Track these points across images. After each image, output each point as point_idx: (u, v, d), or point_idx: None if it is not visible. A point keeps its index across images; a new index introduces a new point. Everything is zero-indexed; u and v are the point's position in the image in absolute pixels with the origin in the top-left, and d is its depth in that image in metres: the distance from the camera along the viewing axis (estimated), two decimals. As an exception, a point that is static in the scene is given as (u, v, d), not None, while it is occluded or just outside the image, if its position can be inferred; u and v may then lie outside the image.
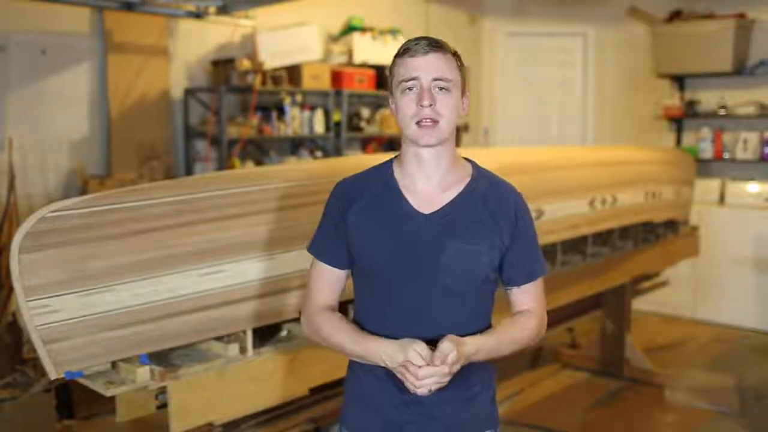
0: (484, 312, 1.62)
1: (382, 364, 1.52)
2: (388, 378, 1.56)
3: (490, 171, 1.68)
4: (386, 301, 1.57)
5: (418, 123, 1.53)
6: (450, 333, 1.50)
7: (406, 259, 1.55)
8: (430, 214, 1.57)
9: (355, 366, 1.66)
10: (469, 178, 1.62)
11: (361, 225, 1.59)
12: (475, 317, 1.60)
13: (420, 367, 1.45)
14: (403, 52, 1.56)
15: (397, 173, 1.62)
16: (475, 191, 1.60)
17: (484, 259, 1.57)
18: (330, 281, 1.66)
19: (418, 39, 1.56)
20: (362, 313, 1.64)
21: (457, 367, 1.48)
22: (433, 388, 1.47)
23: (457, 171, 1.62)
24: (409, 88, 1.53)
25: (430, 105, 1.51)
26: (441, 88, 1.53)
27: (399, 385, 1.54)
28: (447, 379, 1.47)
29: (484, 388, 1.65)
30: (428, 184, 1.59)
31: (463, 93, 1.59)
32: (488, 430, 1.66)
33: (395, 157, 1.66)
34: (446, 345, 1.46)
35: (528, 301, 1.65)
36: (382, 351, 1.50)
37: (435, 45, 1.54)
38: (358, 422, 1.66)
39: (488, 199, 1.60)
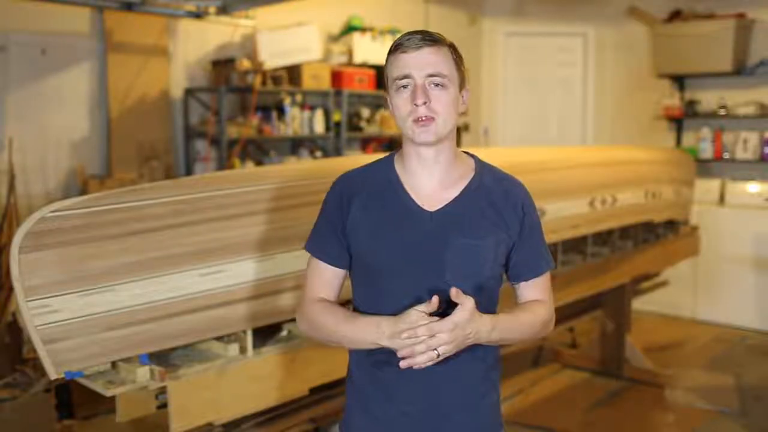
0: (488, 311, 1.55)
1: (379, 341, 1.45)
2: (391, 387, 1.54)
3: (493, 165, 1.65)
4: (388, 300, 1.52)
5: (414, 121, 1.49)
6: None
7: (410, 257, 1.52)
8: (434, 211, 1.54)
9: (356, 374, 1.63)
10: (472, 174, 1.59)
11: (364, 222, 1.55)
12: None
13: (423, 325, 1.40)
14: (395, 49, 1.51)
15: (399, 170, 1.59)
16: (479, 187, 1.57)
17: (490, 255, 1.54)
18: (327, 279, 1.61)
19: (410, 34, 1.51)
20: (361, 312, 1.59)
21: (469, 331, 1.42)
22: (441, 350, 1.41)
23: (459, 167, 1.59)
24: (404, 86, 1.49)
25: (425, 103, 1.47)
26: (436, 84, 1.48)
27: (400, 393, 1.52)
28: (454, 336, 1.40)
29: (489, 392, 1.62)
30: (431, 181, 1.56)
31: (462, 86, 1.55)
32: None
33: (396, 153, 1.63)
34: (465, 296, 1.42)
35: (536, 294, 1.63)
36: (378, 323, 1.45)
37: (428, 39, 1.49)
38: (361, 430, 1.62)
39: (493, 195, 1.57)
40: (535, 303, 1.62)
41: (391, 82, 1.52)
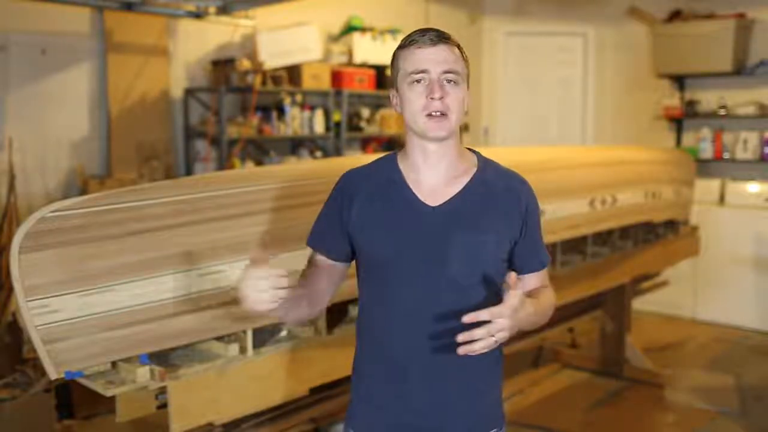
0: (493, 305, 1.53)
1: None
2: (395, 379, 1.55)
3: (495, 161, 1.66)
4: (392, 295, 1.55)
5: (428, 116, 1.50)
6: (458, 327, 1.44)
7: (412, 251, 1.53)
8: (436, 206, 1.55)
9: (360, 366, 1.65)
10: (475, 170, 1.60)
11: (366, 217, 1.57)
12: None
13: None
14: (408, 44, 1.53)
15: (403, 166, 1.60)
16: (481, 182, 1.59)
17: (492, 250, 1.55)
18: (325, 270, 1.64)
19: (423, 30, 1.53)
20: (367, 308, 1.62)
21: (521, 315, 1.43)
22: (499, 336, 1.40)
23: (463, 163, 1.60)
24: (417, 81, 1.50)
25: (441, 98, 1.49)
26: (449, 81, 1.50)
27: (406, 386, 1.53)
28: (513, 322, 1.41)
29: (492, 387, 1.64)
30: (434, 176, 1.57)
31: (467, 86, 1.57)
32: (494, 429, 1.65)
33: (399, 151, 1.64)
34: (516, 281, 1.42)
35: (538, 282, 1.66)
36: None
37: (443, 36, 1.52)
38: (365, 423, 1.64)
39: (495, 190, 1.58)
40: (542, 288, 1.66)
41: (404, 76, 1.53)
